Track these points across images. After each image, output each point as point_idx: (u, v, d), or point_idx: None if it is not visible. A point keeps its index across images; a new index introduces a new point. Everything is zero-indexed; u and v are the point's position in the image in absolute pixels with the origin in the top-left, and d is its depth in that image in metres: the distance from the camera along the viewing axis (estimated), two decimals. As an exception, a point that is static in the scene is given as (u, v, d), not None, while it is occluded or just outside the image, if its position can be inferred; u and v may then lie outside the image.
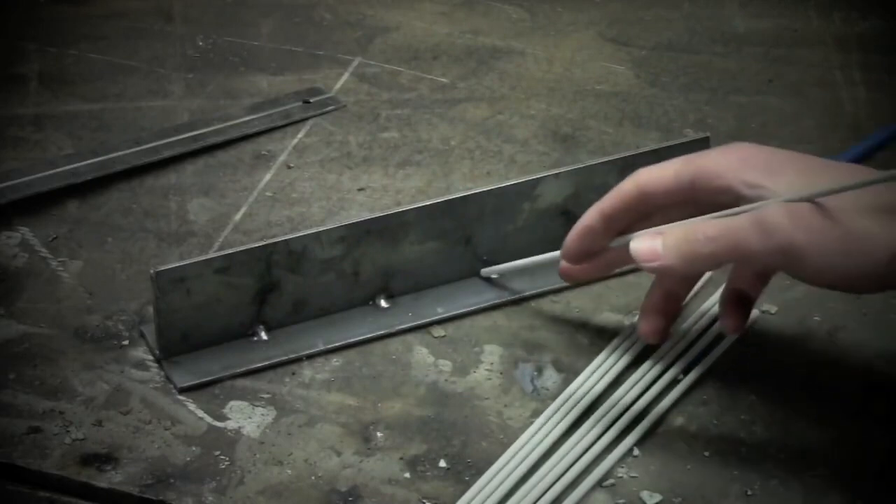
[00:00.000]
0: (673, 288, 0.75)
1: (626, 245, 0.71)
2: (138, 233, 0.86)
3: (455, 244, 0.81)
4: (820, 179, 0.66)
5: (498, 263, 0.81)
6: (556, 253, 0.76)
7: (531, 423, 0.73)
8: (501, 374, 0.76)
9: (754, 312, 0.80)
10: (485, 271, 0.82)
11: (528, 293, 0.81)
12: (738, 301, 0.73)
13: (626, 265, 0.73)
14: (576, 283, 0.79)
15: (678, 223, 0.69)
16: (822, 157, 0.71)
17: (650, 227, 0.71)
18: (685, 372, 0.76)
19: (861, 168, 0.69)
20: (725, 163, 0.69)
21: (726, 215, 0.68)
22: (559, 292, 0.81)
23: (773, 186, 0.67)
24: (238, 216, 0.87)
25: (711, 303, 0.80)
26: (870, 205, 0.65)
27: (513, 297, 0.81)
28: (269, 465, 0.70)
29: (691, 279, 0.77)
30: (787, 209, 0.65)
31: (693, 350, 0.77)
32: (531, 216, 0.82)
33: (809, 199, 0.65)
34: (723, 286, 0.75)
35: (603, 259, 0.74)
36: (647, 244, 0.69)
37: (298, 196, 0.89)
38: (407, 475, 0.70)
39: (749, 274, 0.73)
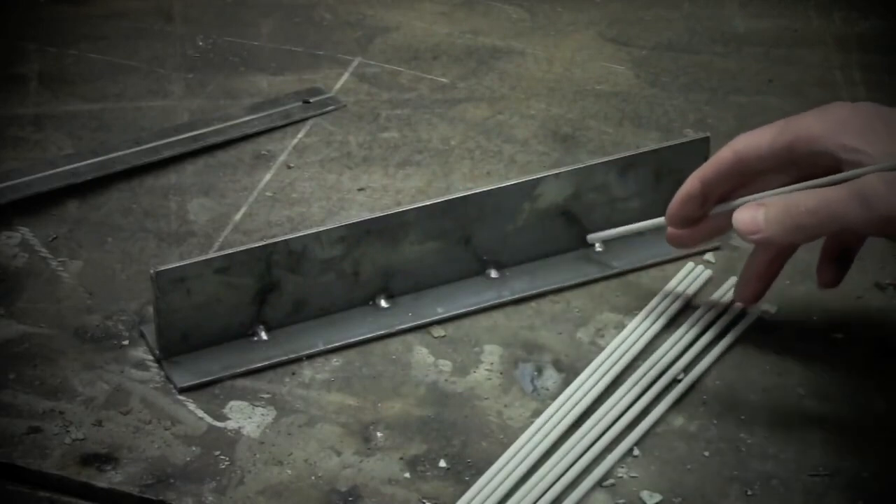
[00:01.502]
0: (774, 255, 0.76)
1: (727, 213, 0.72)
2: (138, 233, 0.86)
3: (455, 244, 0.81)
4: None
5: (505, 262, 0.81)
6: (662, 219, 0.76)
7: (531, 423, 0.73)
8: (501, 374, 0.76)
9: (754, 312, 0.80)
10: (591, 237, 0.82)
11: (528, 293, 0.81)
12: (837, 256, 0.73)
13: (731, 231, 0.73)
14: (683, 247, 0.79)
15: (779, 195, 0.69)
16: None
17: (750, 192, 0.72)
18: (685, 372, 0.76)
19: None
20: (823, 126, 0.69)
21: (825, 183, 0.68)
22: (559, 292, 0.81)
23: (872, 151, 0.66)
24: (238, 216, 0.87)
25: (712, 302, 0.80)
26: None
27: (513, 298, 0.81)
28: (269, 465, 0.70)
29: (793, 248, 0.77)
30: (886, 178, 0.65)
31: (693, 350, 0.77)
32: (531, 216, 0.82)
33: None
34: (741, 270, 0.75)
35: (706, 225, 0.75)
36: (748, 216, 0.69)
37: (298, 196, 0.89)
38: (407, 475, 0.70)
39: (846, 238, 0.74)
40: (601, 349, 0.77)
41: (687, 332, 0.78)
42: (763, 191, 0.72)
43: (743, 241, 0.74)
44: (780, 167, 0.71)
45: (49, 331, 0.78)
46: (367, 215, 0.79)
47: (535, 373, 0.76)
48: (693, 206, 0.74)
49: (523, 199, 0.82)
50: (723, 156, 0.73)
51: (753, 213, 0.69)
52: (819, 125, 0.69)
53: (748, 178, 0.73)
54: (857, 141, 0.67)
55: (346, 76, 1.02)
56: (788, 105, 1.00)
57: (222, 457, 0.70)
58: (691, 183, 0.74)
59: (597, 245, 0.83)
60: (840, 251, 0.74)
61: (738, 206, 0.71)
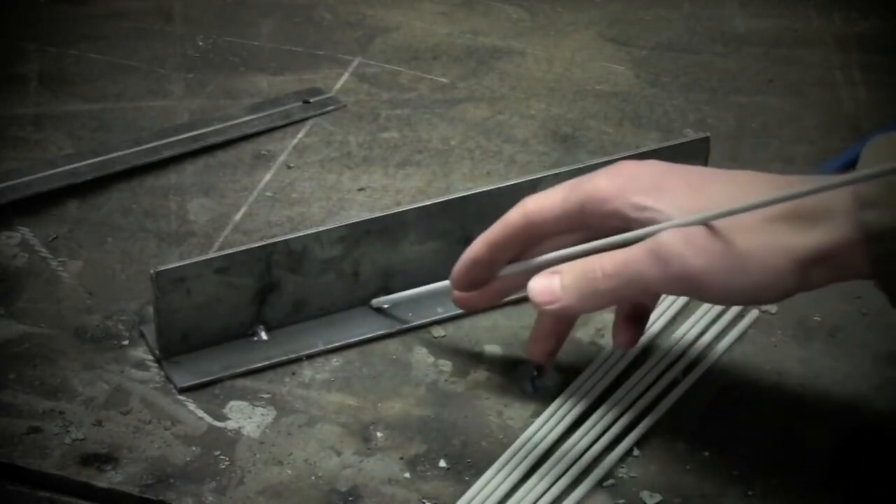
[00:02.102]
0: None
1: (516, 274, 0.71)
2: (138, 233, 0.86)
3: (455, 244, 0.81)
4: (710, 194, 0.65)
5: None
6: (447, 282, 0.74)
7: (531, 423, 0.73)
8: (501, 374, 0.76)
9: (754, 312, 0.80)
10: (375, 302, 0.79)
11: (417, 323, 0.79)
12: (634, 316, 0.71)
13: (519, 292, 0.72)
14: (471, 311, 0.77)
15: (574, 261, 0.68)
16: (711, 168, 0.69)
17: (540, 253, 0.70)
18: (685, 372, 0.76)
19: (755, 175, 0.67)
20: (612, 186, 0.67)
21: (619, 242, 0.66)
22: (454, 320, 0.80)
23: (663, 207, 0.65)
24: (238, 216, 0.87)
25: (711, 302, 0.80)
26: (766, 216, 0.63)
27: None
28: (269, 465, 0.70)
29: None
30: (681, 234, 0.64)
31: (693, 351, 0.77)
32: (531, 216, 0.82)
33: (702, 222, 0.64)
34: None
35: (493, 287, 0.73)
36: (543, 284, 0.68)
37: (298, 196, 0.89)
38: (407, 475, 0.70)
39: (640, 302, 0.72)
40: (601, 349, 0.77)
41: (687, 332, 0.78)
42: (553, 251, 0.70)
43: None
44: (571, 227, 0.69)
45: (49, 331, 0.78)
46: (367, 215, 0.79)
47: (535, 373, 0.76)
48: (480, 270, 0.72)
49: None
50: (511, 219, 0.70)
51: (548, 282, 0.68)
52: (609, 185, 0.67)
53: (538, 239, 0.71)
54: (648, 199, 0.66)
55: (346, 76, 1.02)
56: (788, 105, 1.00)
57: (222, 457, 0.70)
58: (478, 247, 0.71)
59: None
60: (635, 310, 0.71)
61: (527, 268, 0.70)
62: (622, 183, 0.67)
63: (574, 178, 0.69)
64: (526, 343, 0.74)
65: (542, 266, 0.69)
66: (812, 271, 0.63)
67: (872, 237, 0.61)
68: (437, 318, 0.79)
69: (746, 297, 0.65)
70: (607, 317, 0.80)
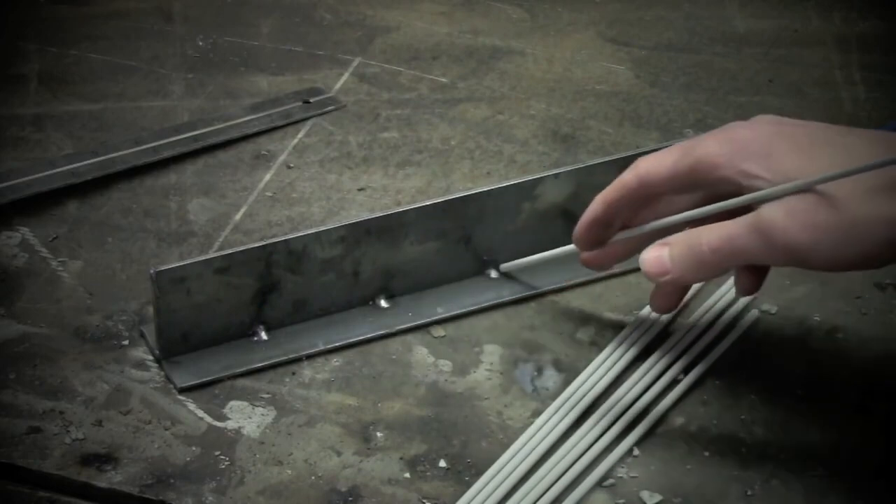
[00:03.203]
0: None
1: (630, 238, 0.73)
2: (138, 233, 0.86)
3: (455, 244, 0.81)
4: (818, 158, 0.65)
5: (504, 261, 0.82)
6: (572, 246, 0.76)
7: (531, 423, 0.73)
8: (501, 374, 0.76)
9: (754, 312, 0.80)
10: (504, 267, 0.82)
11: (528, 293, 0.81)
12: (755, 266, 0.71)
13: (636, 252, 0.73)
14: (599, 269, 0.78)
15: (682, 233, 0.69)
16: (824, 125, 0.69)
17: (654, 214, 0.72)
18: (685, 372, 0.76)
19: (866, 136, 0.67)
20: (722, 152, 0.68)
21: (727, 206, 0.67)
22: (559, 292, 0.81)
23: (771, 175, 0.66)
24: (238, 216, 0.87)
25: (711, 302, 0.80)
26: (871, 185, 0.63)
27: (513, 297, 0.81)
28: (269, 465, 0.70)
29: None
30: (783, 207, 0.64)
31: (693, 350, 0.77)
32: (531, 216, 0.82)
33: (802, 189, 0.64)
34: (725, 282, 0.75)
35: (613, 249, 0.75)
36: (654, 256, 0.69)
37: (298, 196, 0.89)
38: (407, 475, 0.70)
39: None
40: (601, 349, 0.77)
41: (687, 332, 0.78)
42: (667, 213, 0.71)
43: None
44: (683, 190, 0.70)
45: (49, 331, 0.78)
46: (367, 215, 0.79)
47: (535, 373, 0.76)
48: (599, 230, 0.74)
49: (523, 199, 0.82)
50: (626, 179, 0.71)
51: (658, 254, 0.69)
52: (719, 150, 0.68)
53: (652, 199, 0.72)
54: (756, 166, 0.66)
55: (346, 76, 1.02)
56: (788, 105, 1.00)
57: (222, 457, 0.70)
58: (595, 207, 0.73)
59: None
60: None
61: (637, 234, 0.72)
62: (731, 148, 0.67)
63: (686, 141, 0.70)
64: (649, 299, 0.75)
65: (652, 232, 0.72)
66: None
67: None
68: (437, 317, 0.79)
69: (851, 265, 0.65)
70: (607, 317, 0.80)
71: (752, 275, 0.70)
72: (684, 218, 0.71)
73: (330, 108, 0.98)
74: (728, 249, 0.67)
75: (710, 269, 0.68)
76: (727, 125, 0.70)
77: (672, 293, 0.75)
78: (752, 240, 0.65)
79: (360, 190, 0.90)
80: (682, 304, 0.77)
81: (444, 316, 0.79)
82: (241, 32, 1.07)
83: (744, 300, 0.80)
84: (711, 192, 0.69)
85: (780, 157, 0.66)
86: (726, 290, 0.81)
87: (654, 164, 0.70)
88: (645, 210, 0.73)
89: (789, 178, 0.65)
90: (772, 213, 0.65)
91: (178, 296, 0.74)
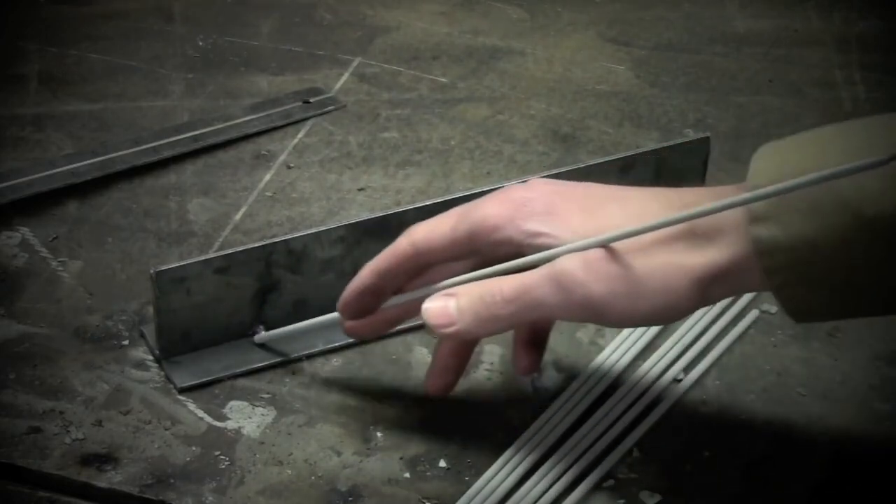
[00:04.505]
0: (460, 345, 0.71)
1: (403, 304, 0.69)
2: (138, 233, 0.86)
3: (455, 244, 0.81)
4: (605, 215, 0.64)
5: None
6: (335, 314, 0.72)
7: (531, 423, 0.73)
8: (501, 374, 0.76)
9: (754, 312, 0.80)
10: (259, 338, 0.76)
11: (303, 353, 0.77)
12: (533, 340, 0.70)
13: (410, 320, 0.72)
14: (361, 339, 0.75)
15: (470, 284, 0.66)
16: (604, 186, 0.67)
17: (430, 279, 0.69)
18: (685, 372, 0.76)
19: (649, 193, 0.66)
20: (502, 213, 0.65)
21: (513, 268, 0.65)
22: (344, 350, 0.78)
23: (558, 232, 0.64)
24: (238, 216, 0.87)
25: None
26: (661, 235, 0.63)
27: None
28: (269, 465, 0.70)
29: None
30: (580, 260, 0.63)
31: (693, 350, 0.77)
32: (531, 216, 0.82)
33: (599, 245, 0.63)
34: None
35: (383, 316, 0.71)
36: (438, 307, 0.66)
37: (298, 196, 0.89)
38: (407, 475, 0.70)
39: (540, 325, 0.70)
40: (601, 349, 0.77)
41: (687, 332, 0.78)
42: (444, 277, 0.68)
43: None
44: (461, 255, 0.68)
45: (49, 331, 0.78)
46: (367, 215, 0.79)
47: (535, 373, 0.76)
48: (368, 299, 0.70)
49: (523, 199, 0.81)
50: (399, 247, 0.68)
51: (444, 304, 0.66)
52: (499, 212, 0.66)
53: (427, 267, 0.69)
54: (541, 224, 0.64)
55: (346, 76, 1.02)
56: (788, 105, 1.00)
57: (222, 457, 0.70)
58: (365, 275, 0.69)
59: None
60: (534, 335, 0.70)
61: (413, 300, 0.68)
62: (512, 209, 0.65)
63: (462, 206, 0.68)
64: (426, 377, 0.71)
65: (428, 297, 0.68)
66: (711, 288, 0.63)
67: (763, 251, 0.61)
68: (323, 348, 0.77)
69: (647, 319, 0.64)
70: (607, 317, 0.80)
71: (532, 352, 0.69)
72: (469, 279, 0.67)
73: (330, 108, 0.98)
74: (524, 300, 0.64)
75: (500, 321, 0.65)
76: (503, 188, 0.68)
77: (448, 366, 0.71)
78: (549, 292, 0.63)
79: (360, 190, 0.90)
80: (454, 385, 0.72)
81: (334, 346, 0.78)
82: (241, 32, 1.07)
83: (744, 300, 0.80)
84: (490, 256, 0.67)
85: (563, 216, 0.65)
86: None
87: (430, 231, 0.68)
88: (417, 279, 0.69)
89: (578, 234, 0.63)
90: (569, 266, 0.63)
91: (178, 296, 0.74)
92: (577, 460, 0.70)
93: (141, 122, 0.96)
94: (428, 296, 0.68)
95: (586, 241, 0.63)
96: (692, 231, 0.63)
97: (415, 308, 0.68)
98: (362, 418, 0.73)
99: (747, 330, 0.79)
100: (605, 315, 0.64)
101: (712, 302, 0.65)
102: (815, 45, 1.08)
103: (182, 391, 0.74)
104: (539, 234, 0.65)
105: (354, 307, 0.71)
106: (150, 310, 0.76)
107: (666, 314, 0.64)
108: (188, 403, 0.73)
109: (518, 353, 0.70)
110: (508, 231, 0.65)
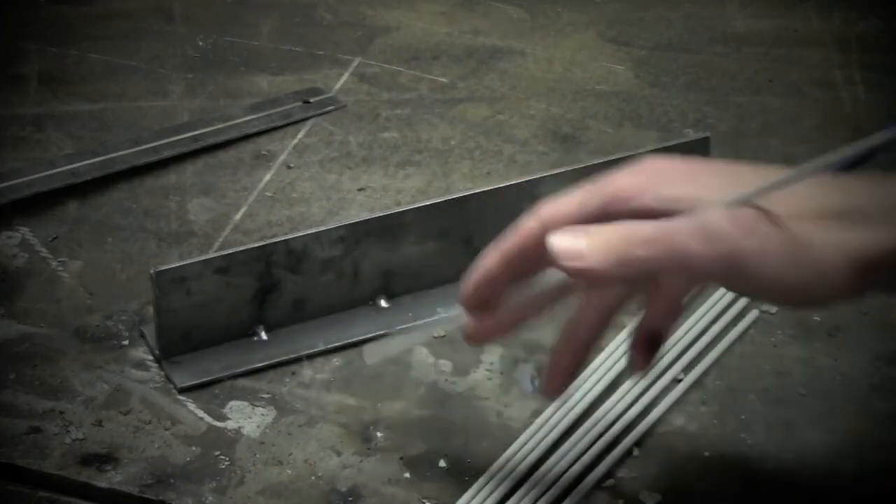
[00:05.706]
0: (582, 340, 0.67)
1: (536, 294, 0.64)
2: (138, 233, 0.86)
3: (455, 244, 0.81)
4: (745, 182, 0.60)
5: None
6: (456, 311, 0.65)
7: (531, 423, 0.73)
8: (501, 374, 0.76)
9: (754, 312, 0.80)
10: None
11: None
12: (650, 340, 0.66)
13: (537, 318, 0.66)
14: (484, 343, 0.71)
15: (606, 224, 0.61)
16: (738, 162, 0.63)
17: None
18: (685, 372, 0.76)
19: (755, 166, 0.62)
20: (638, 182, 0.61)
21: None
22: None
23: (699, 195, 0.60)
24: (238, 216, 0.87)
25: (712, 302, 0.80)
26: (817, 211, 0.58)
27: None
28: (269, 465, 0.70)
29: (610, 312, 0.66)
30: (729, 214, 0.58)
31: (693, 350, 0.77)
32: (531, 216, 0.82)
33: (751, 200, 0.58)
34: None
35: (510, 311, 0.65)
36: (569, 238, 0.59)
37: (298, 196, 0.89)
38: (407, 475, 0.70)
39: (667, 302, 0.66)
40: (601, 349, 0.77)
41: (687, 331, 0.78)
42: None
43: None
44: None
45: (49, 331, 0.78)
46: (367, 215, 0.79)
47: (535, 373, 0.76)
48: (494, 288, 0.64)
49: (523, 199, 0.81)
50: (527, 226, 0.63)
51: (574, 238, 0.59)
52: (635, 182, 0.61)
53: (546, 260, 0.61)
54: (680, 190, 0.60)
55: (346, 76, 1.02)
56: (788, 105, 1.00)
57: (222, 457, 0.70)
58: (490, 260, 0.63)
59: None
60: (651, 335, 0.66)
61: (548, 289, 0.63)
62: (648, 178, 0.61)
63: (591, 181, 0.63)
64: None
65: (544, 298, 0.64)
66: (871, 275, 0.58)
67: None
68: (437, 318, 0.79)
69: (791, 292, 0.58)
70: (607, 317, 0.80)
71: (650, 351, 0.66)
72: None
73: (330, 108, 0.98)
74: (665, 243, 0.58)
75: (636, 263, 0.58)
76: (639, 161, 0.63)
77: (566, 371, 0.66)
78: (692, 238, 0.58)
79: (360, 190, 0.90)
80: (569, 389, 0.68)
81: (444, 316, 0.79)
82: (241, 32, 1.07)
83: (744, 299, 0.80)
84: None
85: (703, 180, 0.61)
86: (725, 290, 0.81)
87: (559, 207, 0.63)
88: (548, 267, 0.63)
89: (719, 196, 0.59)
90: (716, 217, 0.58)
91: (178, 296, 0.74)
92: (577, 460, 0.70)
93: (141, 122, 0.96)
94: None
95: (737, 196, 0.58)
96: (853, 211, 0.58)
97: (541, 304, 0.64)
98: (362, 418, 0.73)
99: (747, 330, 0.79)
100: (746, 274, 0.58)
101: (872, 292, 0.59)
102: (815, 45, 1.08)
103: (182, 391, 0.74)
104: (679, 199, 0.60)
105: (478, 299, 0.64)
106: (150, 310, 0.76)
107: (813, 292, 0.58)
108: (188, 403, 0.73)
109: (636, 352, 0.66)
110: (646, 199, 0.61)
